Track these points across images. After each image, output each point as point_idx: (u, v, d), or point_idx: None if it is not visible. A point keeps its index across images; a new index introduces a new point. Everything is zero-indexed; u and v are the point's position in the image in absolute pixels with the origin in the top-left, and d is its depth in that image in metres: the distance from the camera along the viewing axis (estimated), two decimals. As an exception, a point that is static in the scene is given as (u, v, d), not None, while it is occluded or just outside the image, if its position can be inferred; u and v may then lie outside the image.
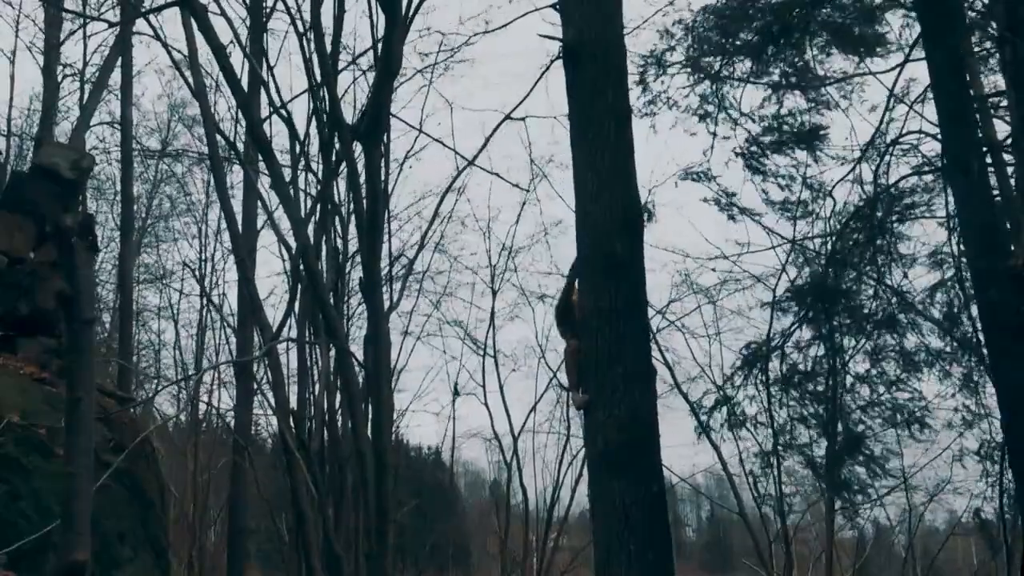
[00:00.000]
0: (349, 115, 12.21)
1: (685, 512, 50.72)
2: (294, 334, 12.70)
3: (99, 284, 19.38)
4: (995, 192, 9.67)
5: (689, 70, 11.04)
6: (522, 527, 22.28)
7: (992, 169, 9.95)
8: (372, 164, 9.76)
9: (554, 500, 21.03)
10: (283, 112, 11.45)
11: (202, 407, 21.05)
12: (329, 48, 10.80)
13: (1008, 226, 8.94)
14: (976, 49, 10.41)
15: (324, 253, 12.15)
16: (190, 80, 11.03)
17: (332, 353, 11.28)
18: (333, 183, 12.18)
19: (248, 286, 10.94)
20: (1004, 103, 10.14)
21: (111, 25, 14.13)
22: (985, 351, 8.61)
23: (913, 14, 10.23)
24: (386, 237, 14.30)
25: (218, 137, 11.38)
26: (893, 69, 10.71)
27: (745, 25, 10.54)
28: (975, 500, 11.83)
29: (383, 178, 11.56)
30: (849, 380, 11.64)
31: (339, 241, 13.47)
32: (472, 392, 21.20)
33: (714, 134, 11.18)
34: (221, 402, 22.68)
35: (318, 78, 11.09)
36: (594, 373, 5.32)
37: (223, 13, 11.05)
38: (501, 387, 20.20)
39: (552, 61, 11.41)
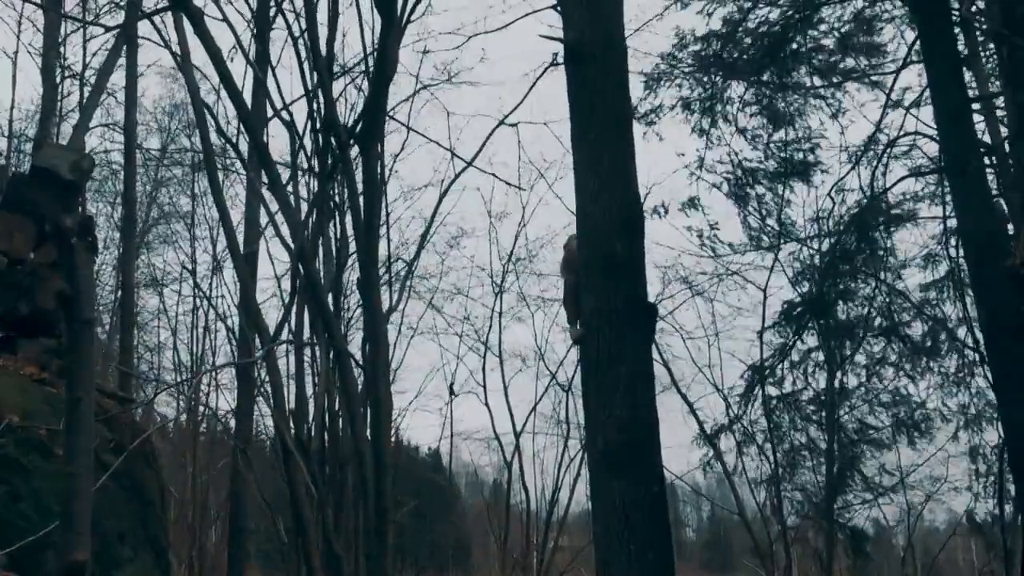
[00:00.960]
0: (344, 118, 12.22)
1: (685, 512, 50.72)
2: (295, 334, 12.70)
3: (98, 286, 19.39)
4: (994, 192, 9.70)
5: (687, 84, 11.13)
6: (522, 527, 22.28)
7: (991, 170, 9.98)
8: (369, 166, 9.79)
9: (554, 500, 21.04)
10: (284, 116, 11.50)
11: (202, 408, 21.07)
12: (324, 52, 10.82)
13: (1008, 226, 8.94)
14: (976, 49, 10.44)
15: (322, 255, 12.16)
16: (187, 83, 11.04)
17: (331, 354, 11.29)
18: (330, 185, 12.19)
19: (247, 288, 10.96)
20: (1002, 104, 10.16)
21: (108, 30, 14.18)
22: (984, 351, 8.63)
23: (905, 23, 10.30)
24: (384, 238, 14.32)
25: (219, 141, 11.43)
26: (888, 74, 10.78)
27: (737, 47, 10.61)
28: (974, 500, 11.85)
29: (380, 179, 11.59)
30: (851, 381, 11.72)
31: (337, 243, 13.49)
32: (472, 391, 21.21)
33: (700, 166, 11.29)
34: (221, 403, 22.69)
35: (313, 82, 11.13)
36: (594, 373, 5.32)
37: (226, 19, 11.09)
38: (505, 387, 20.21)
39: (546, 68, 11.49)
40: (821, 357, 11.64)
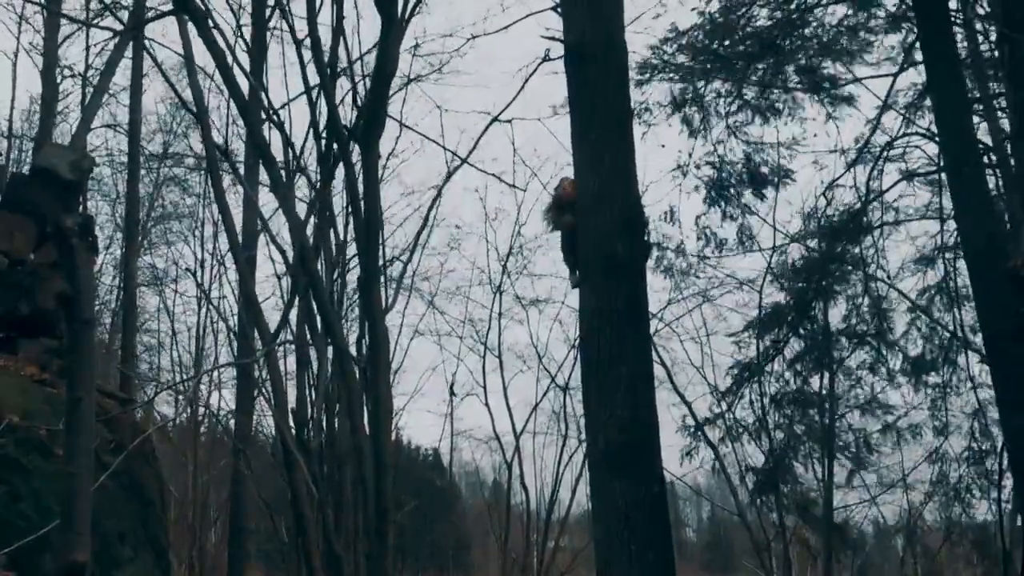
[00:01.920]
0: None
1: (685, 512, 50.74)
2: (295, 334, 12.69)
3: (99, 285, 19.39)
4: (993, 193, 9.70)
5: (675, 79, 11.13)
6: (522, 527, 22.27)
7: (990, 170, 9.99)
8: (370, 163, 9.80)
9: (554, 500, 21.04)
10: (275, 118, 11.52)
11: (202, 408, 21.08)
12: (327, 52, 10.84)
13: (1008, 227, 8.95)
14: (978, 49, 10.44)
15: (322, 254, 12.15)
16: (188, 87, 11.08)
17: (330, 353, 11.30)
18: (330, 185, 12.21)
19: (247, 289, 10.96)
20: (1002, 104, 10.16)
21: (116, 34, 14.19)
22: (983, 351, 8.64)
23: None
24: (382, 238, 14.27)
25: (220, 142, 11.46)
26: (886, 76, 10.78)
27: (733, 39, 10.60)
28: (973, 500, 11.84)
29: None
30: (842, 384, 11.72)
31: (337, 242, 13.49)
32: (472, 392, 21.20)
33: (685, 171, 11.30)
34: (221, 403, 22.70)
35: (314, 82, 11.15)
36: (595, 373, 5.32)
37: (216, 27, 11.10)
38: (505, 388, 20.21)
39: (538, 64, 11.50)
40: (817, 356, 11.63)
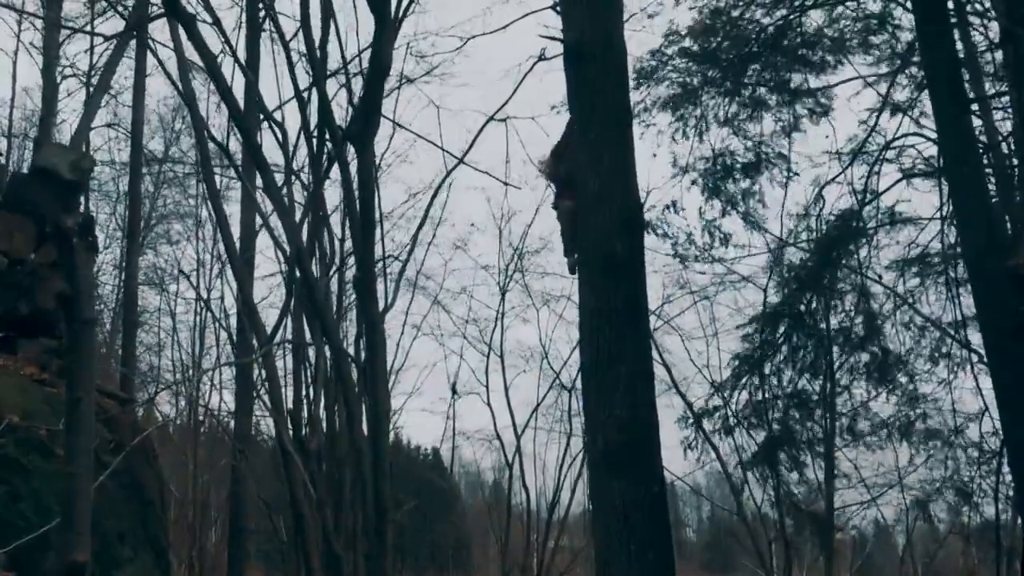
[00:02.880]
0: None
1: (685, 512, 50.71)
2: (292, 334, 12.71)
3: (99, 285, 19.40)
4: (992, 193, 9.70)
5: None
6: (522, 527, 22.28)
7: (989, 170, 9.98)
8: (364, 163, 9.82)
9: (554, 500, 21.05)
10: (277, 117, 11.57)
11: (202, 408, 21.07)
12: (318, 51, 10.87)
13: (1008, 226, 8.95)
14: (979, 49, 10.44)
15: (318, 255, 12.17)
16: (183, 88, 11.10)
17: (328, 353, 11.31)
18: (324, 185, 12.23)
19: (244, 291, 10.98)
20: (1001, 104, 10.17)
21: (107, 39, 14.27)
22: (983, 351, 8.64)
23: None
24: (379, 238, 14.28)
25: (213, 146, 11.49)
26: (886, 75, 10.76)
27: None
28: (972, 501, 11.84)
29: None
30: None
31: (332, 242, 13.50)
32: (475, 392, 21.24)
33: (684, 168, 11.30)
34: (221, 403, 22.70)
35: (306, 82, 11.21)
36: (594, 372, 5.32)
37: (216, 22, 11.12)
38: (506, 388, 20.24)
39: (534, 63, 11.52)
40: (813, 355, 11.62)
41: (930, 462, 12.18)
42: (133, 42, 14.13)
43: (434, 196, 14.73)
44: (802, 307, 10.95)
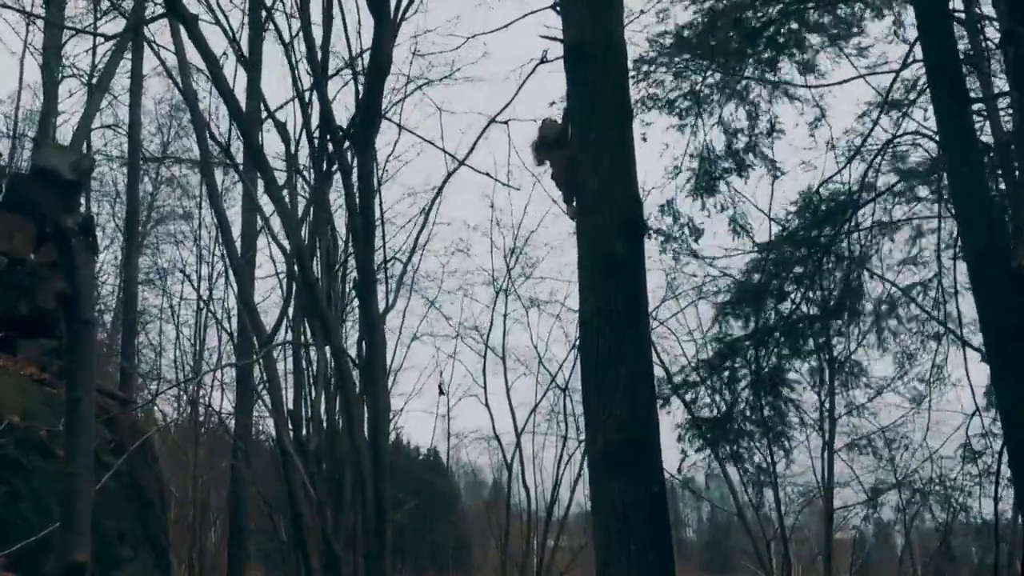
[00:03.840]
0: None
1: (685, 512, 50.70)
2: (292, 334, 12.69)
3: (99, 285, 19.39)
4: (994, 192, 9.70)
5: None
6: (521, 527, 22.29)
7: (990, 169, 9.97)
8: (364, 164, 9.82)
9: (554, 500, 21.07)
10: (278, 117, 11.55)
11: (202, 408, 21.07)
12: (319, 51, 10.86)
13: (1008, 226, 8.94)
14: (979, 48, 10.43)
15: (318, 255, 12.17)
16: (185, 90, 11.09)
17: (328, 354, 11.29)
18: (326, 185, 12.21)
19: (245, 291, 10.98)
20: (1002, 104, 10.16)
21: (108, 38, 14.26)
22: (983, 350, 8.63)
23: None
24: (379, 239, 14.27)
25: (214, 145, 11.48)
26: (888, 72, 10.75)
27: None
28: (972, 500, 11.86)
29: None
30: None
31: (336, 242, 13.49)
32: (473, 393, 21.26)
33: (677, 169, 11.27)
34: (222, 404, 22.70)
35: (306, 83, 11.21)
36: (594, 373, 5.31)
37: (218, 22, 11.13)
38: (508, 389, 20.26)
39: (536, 65, 11.50)
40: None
41: (925, 463, 12.24)
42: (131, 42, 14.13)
43: (434, 198, 14.77)
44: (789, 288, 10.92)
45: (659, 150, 11.80)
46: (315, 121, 11.33)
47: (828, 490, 15.08)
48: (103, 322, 19.48)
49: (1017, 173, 9.19)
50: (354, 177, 10.14)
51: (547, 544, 20.33)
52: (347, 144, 10.50)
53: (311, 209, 11.99)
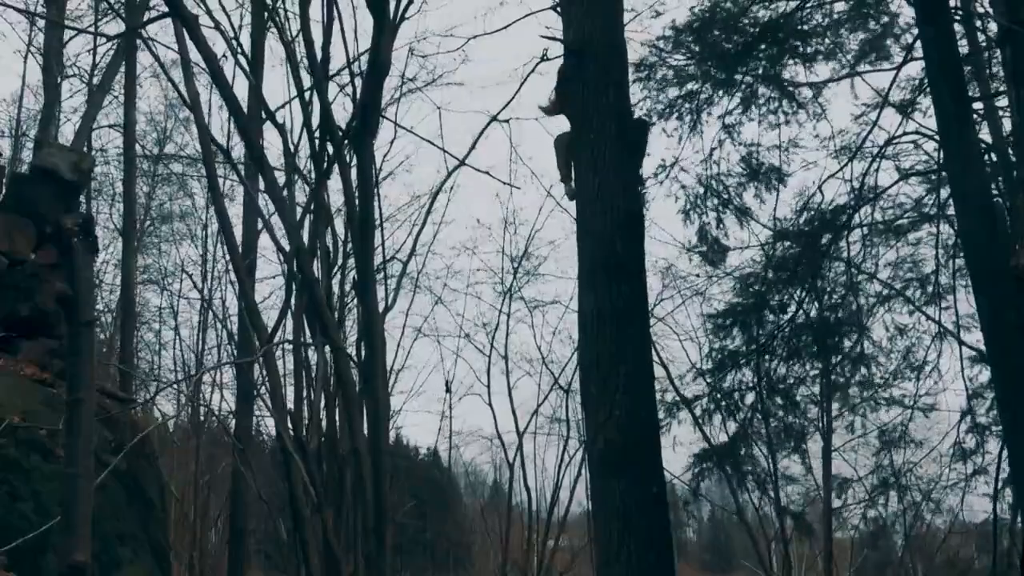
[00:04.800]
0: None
1: (685, 513, 50.64)
2: (292, 334, 12.70)
3: (99, 285, 19.39)
4: (994, 192, 9.69)
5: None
6: (522, 527, 22.27)
7: (990, 169, 9.97)
8: (363, 164, 9.82)
9: (554, 500, 21.06)
10: (277, 118, 11.55)
11: (202, 407, 21.06)
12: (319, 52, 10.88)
13: (1008, 226, 8.95)
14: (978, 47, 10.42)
15: (319, 255, 12.18)
16: (184, 92, 11.12)
17: (328, 354, 11.30)
18: (325, 185, 12.23)
19: (245, 291, 10.97)
20: (1000, 103, 10.16)
21: (109, 39, 14.27)
22: (983, 349, 8.64)
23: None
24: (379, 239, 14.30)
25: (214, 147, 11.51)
26: (888, 71, 10.73)
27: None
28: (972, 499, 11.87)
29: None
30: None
31: (333, 242, 13.51)
32: (476, 392, 21.23)
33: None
34: (222, 403, 22.69)
35: (307, 83, 11.21)
36: (594, 373, 5.31)
37: (218, 26, 11.14)
38: (510, 390, 20.24)
39: (536, 64, 11.50)
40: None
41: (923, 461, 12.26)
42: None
43: (434, 198, 14.80)
44: (786, 298, 10.90)
45: (660, 152, 11.76)
46: (315, 121, 11.35)
47: (828, 490, 15.07)
48: (103, 322, 19.48)
49: (1016, 173, 9.19)
50: (353, 176, 10.13)
51: (547, 544, 20.31)
52: (346, 144, 10.50)
53: (311, 209, 12.00)
